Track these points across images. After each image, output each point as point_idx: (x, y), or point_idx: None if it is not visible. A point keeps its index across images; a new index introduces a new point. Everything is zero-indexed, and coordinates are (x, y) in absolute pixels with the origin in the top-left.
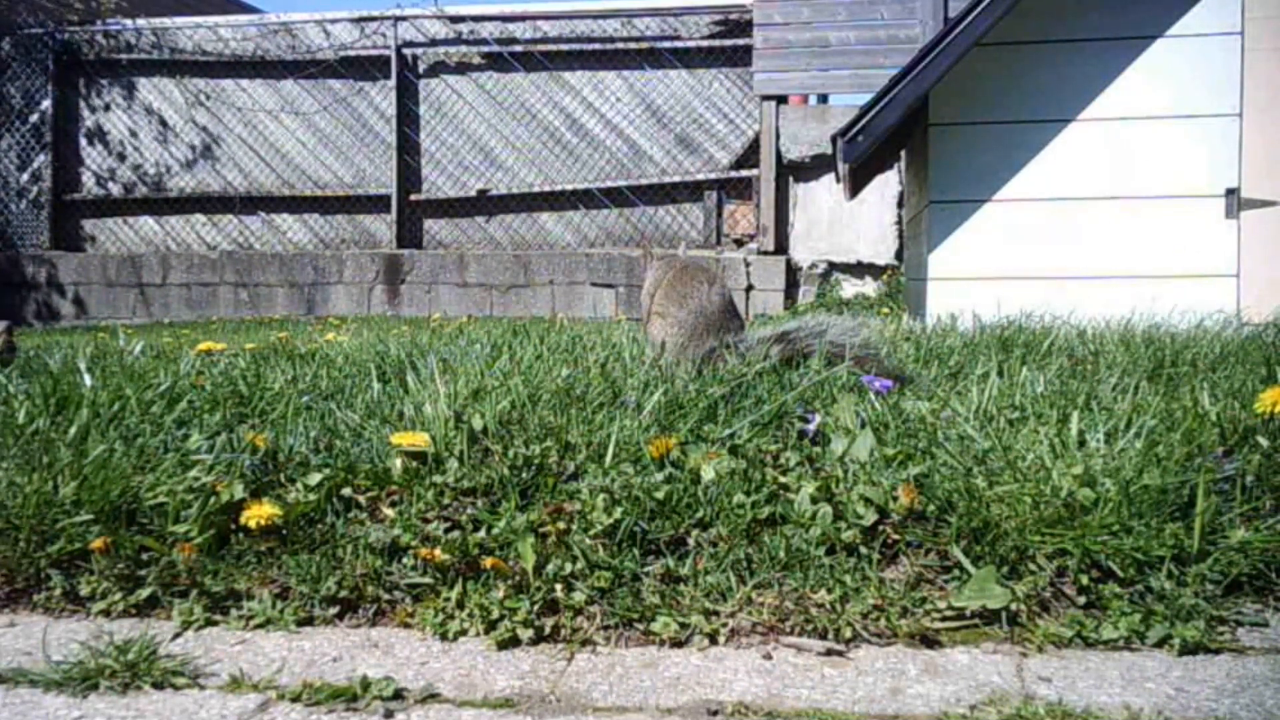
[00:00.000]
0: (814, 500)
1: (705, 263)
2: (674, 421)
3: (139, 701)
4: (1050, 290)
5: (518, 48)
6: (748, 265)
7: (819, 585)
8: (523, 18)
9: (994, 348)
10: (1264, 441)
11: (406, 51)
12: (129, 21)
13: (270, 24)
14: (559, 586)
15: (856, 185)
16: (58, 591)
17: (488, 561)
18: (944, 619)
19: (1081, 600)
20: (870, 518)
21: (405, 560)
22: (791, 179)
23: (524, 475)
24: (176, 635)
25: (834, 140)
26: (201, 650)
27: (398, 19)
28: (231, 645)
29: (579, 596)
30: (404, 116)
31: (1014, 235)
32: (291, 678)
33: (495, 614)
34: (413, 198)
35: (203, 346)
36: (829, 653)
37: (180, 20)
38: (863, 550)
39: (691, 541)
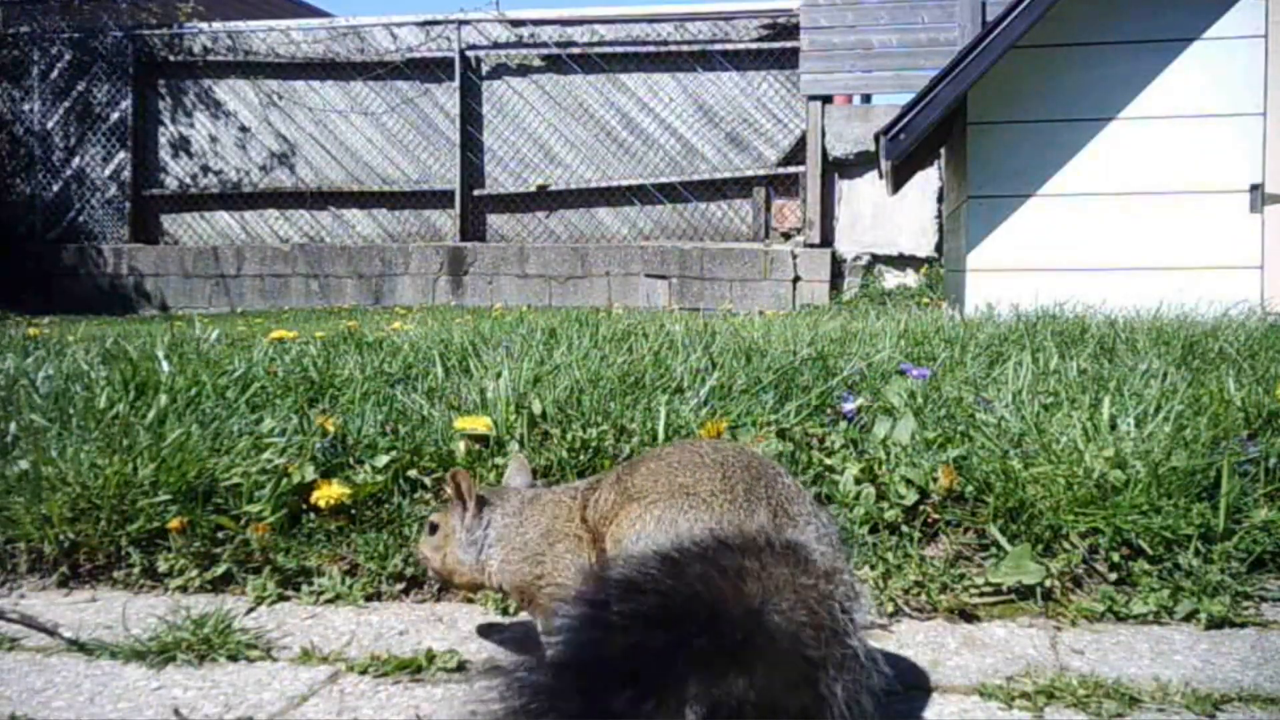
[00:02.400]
0: (858, 481)
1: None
2: (725, 405)
3: (214, 673)
4: (1083, 281)
5: (576, 50)
6: (795, 258)
7: (863, 562)
8: (580, 21)
9: (1029, 336)
10: None
11: (470, 54)
12: (204, 25)
13: (339, 27)
14: None
15: (898, 181)
16: (137, 568)
17: None
18: (982, 594)
19: (1113, 577)
20: (911, 498)
21: None
22: (836, 175)
23: (581, 457)
24: (250, 610)
25: (877, 138)
26: (274, 624)
27: (461, 23)
28: (302, 620)
29: None
30: (467, 116)
31: (1049, 229)
32: (360, 650)
33: None
34: (475, 193)
35: (275, 335)
36: (872, 626)
37: (253, 24)
38: (904, 529)
39: None
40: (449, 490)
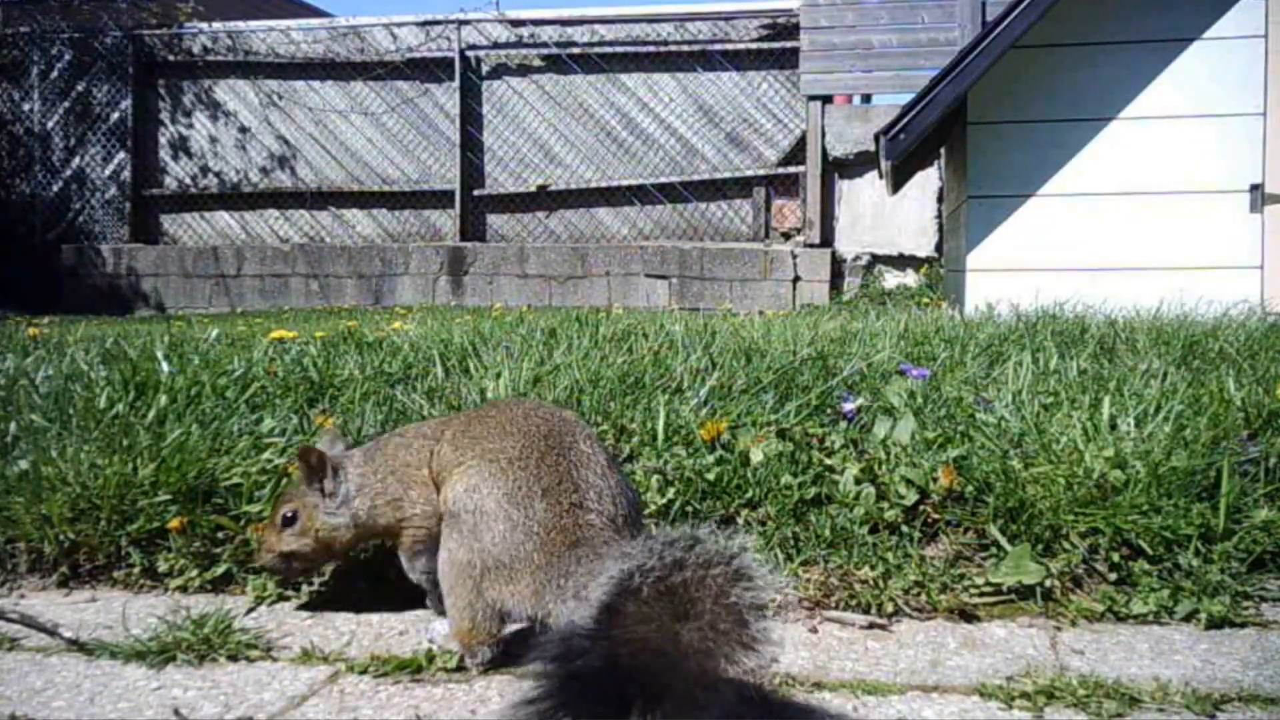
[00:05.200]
0: (858, 481)
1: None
2: (725, 405)
3: (214, 673)
4: (1083, 281)
5: (576, 50)
6: (795, 258)
7: (862, 562)
8: (580, 21)
9: (1029, 336)
10: None
11: (470, 54)
12: (204, 25)
13: (340, 27)
14: None
15: (898, 181)
16: (137, 568)
17: None
18: (982, 595)
19: (1113, 577)
20: (911, 498)
21: None
22: (836, 175)
23: None
24: (250, 610)
25: (877, 138)
26: (274, 624)
27: (461, 23)
28: (302, 620)
29: None
30: (467, 116)
31: (1049, 229)
32: (360, 650)
33: None
34: (475, 193)
35: (275, 335)
36: (872, 626)
37: (253, 24)
38: (904, 529)
39: (741, 521)
40: (302, 469)
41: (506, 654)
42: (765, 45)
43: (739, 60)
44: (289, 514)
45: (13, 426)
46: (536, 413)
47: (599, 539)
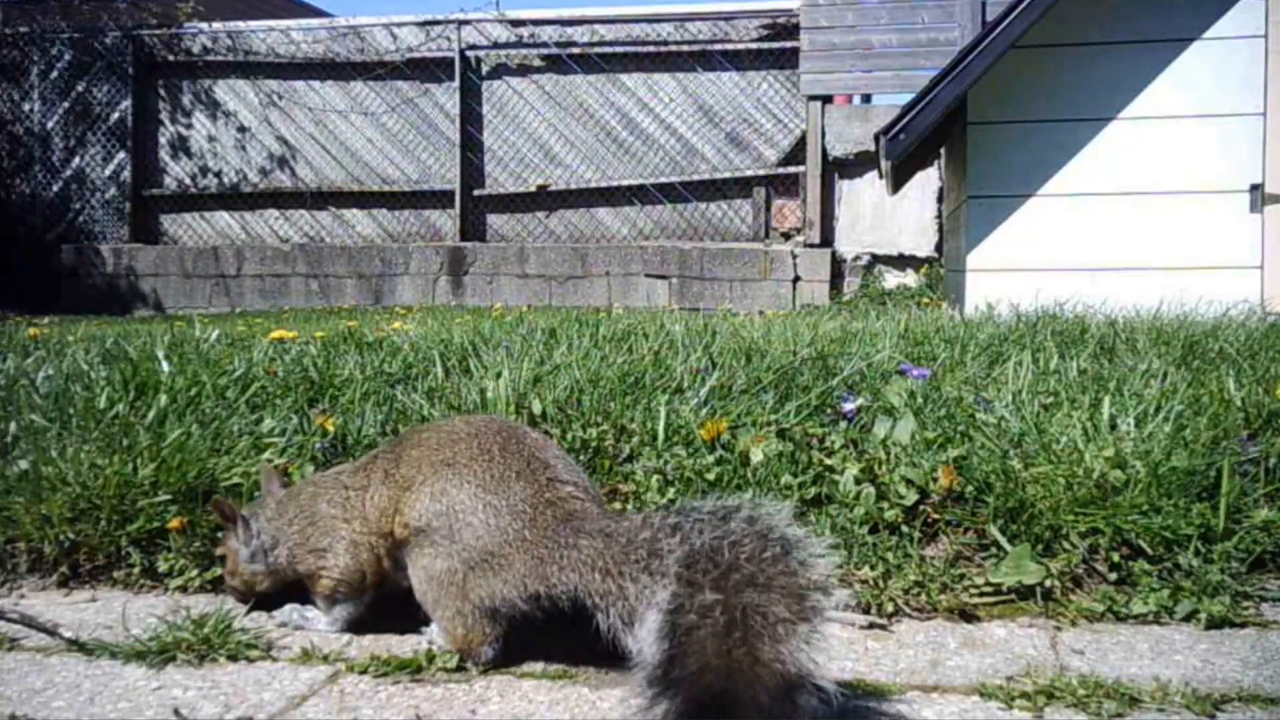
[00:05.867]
0: (858, 481)
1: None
2: (725, 405)
3: (214, 673)
4: (1083, 281)
5: (576, 50)
6: (795, 258)
7: (863, 562)
8: (581, 21)
9: (1029, 336)
10: None
11: (470, 54)
12: (204, 25)
13: (340, 27)
14: None
15: (898, 181)
16: (137, 568)
17: None
18: (982, 594)
19: (1113, 577)
20: (911, 498)
21: None
22: (836, 175)
23: (581, 457)
24: (250, 610)
25: (877, 138)
26: (274, 624)
27: (461, 23)
28: None
29: None
30: (467, 116)
31: (1049, 229)
32: (360, 650)
33: None
34: (475, 193)
35: (275, 335)
36: (872, 626)
37: (253, 24)
38: (904, 529)
39: None
40: (216, 519)
41: (507, 651)
42: (765, 45)
43: (739, 60)
44: (220, 555)
45: (13, 426)
46: (474, 419)
47: (589, 512)
